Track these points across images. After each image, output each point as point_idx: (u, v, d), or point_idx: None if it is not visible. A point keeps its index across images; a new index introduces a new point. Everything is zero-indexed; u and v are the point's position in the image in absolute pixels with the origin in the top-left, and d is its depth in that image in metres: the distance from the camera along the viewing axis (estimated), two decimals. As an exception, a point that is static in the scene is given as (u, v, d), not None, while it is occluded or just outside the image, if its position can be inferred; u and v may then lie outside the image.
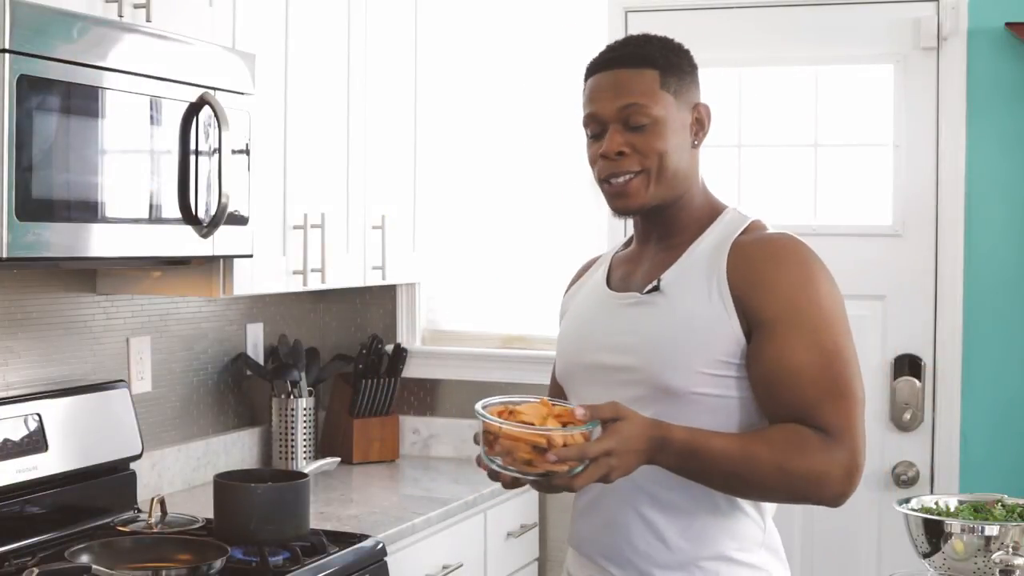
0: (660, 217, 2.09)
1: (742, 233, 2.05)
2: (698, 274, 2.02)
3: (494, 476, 1.88)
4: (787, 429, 1.94)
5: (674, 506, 2.01)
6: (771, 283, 1.97)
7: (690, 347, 1.98)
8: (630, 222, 2.19)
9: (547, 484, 1.86)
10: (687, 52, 2.10)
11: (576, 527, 2.15)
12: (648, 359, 2.01)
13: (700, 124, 2.09)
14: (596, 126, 2.06)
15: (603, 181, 2.07)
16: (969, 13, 3.45)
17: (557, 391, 2.26)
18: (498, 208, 3.96)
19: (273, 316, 3.71)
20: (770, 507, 2.08)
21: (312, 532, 2.74)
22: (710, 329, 1.98)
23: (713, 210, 2.11)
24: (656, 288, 2.04)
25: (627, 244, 2.24)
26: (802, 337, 1.94)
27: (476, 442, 1.88)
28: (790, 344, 1.94)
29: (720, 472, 1.93)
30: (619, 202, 2.06)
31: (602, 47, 2.13)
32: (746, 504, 2.03)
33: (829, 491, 1.94)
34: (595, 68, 2.09)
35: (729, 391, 1.99)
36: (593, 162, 2.08)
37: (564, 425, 1.83)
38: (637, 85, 2.03)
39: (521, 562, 3.63)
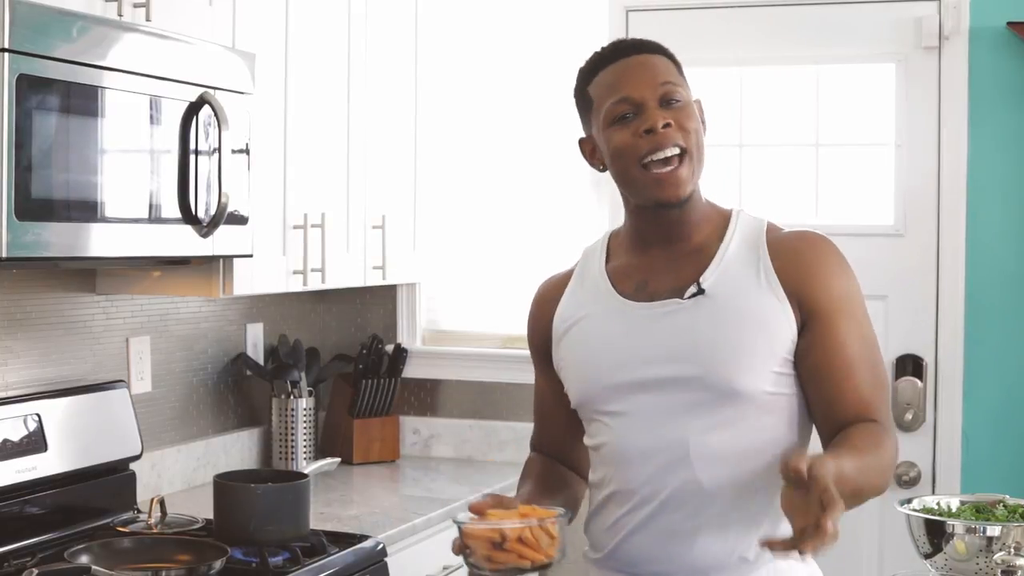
0: (670, 216, 2.04)
1: (767, 232, 2.05)
2: (741, 273, 2.00)
3: None
4: (865, 429, 1.94)
5: (744, 511, 1.97)
6: (823, 275, 2.00)
7: (754, 345, 1.96)
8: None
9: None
10: None
11: (623, 546, 2.04)
12: (710, 364, 1.96)
13: (702, 118, 2.07)
14: (630, 109, 1.99)
15: (643, 167, 1.98)
16: (971, 12, 3.44)
17: (560, 426, 2.19)
18: (498, 208, 3.95)
19: (273, 316, 3.70)
20: None
21: (312, 533, 2.73)
22: (770, 324, 1.97)
23: (718, 211, 2.09)
24: (700, 291, 2.00)
25: (606, 256, 2.14)
26: (854, 327, 1.99)
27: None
28: (845, 334, 1.97)
29: (863, 487, 1.89)
30: (670, 191, 1.99)
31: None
32: None
33: (890, 481, 1.98)
34: (615, 55, 2.05)
35: (788, 388, 1.99)
36: (624, 148, 1.99)
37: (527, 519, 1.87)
38: (666, 67, 2.04)
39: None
